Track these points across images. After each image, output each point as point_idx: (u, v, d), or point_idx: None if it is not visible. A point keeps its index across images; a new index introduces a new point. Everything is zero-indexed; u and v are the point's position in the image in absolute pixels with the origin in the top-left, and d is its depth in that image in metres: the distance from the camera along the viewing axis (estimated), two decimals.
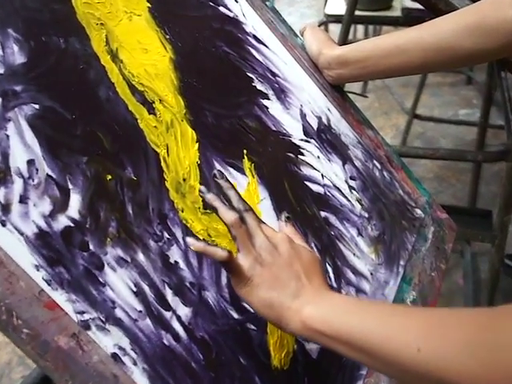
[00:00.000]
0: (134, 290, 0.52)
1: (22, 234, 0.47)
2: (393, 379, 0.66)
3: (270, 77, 0.79)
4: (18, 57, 0.52)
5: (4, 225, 0.46)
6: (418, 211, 0.91)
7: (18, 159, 0.49)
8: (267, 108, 0.76)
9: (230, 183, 0.61)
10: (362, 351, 0.48)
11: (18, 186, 0.48)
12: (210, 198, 0.58)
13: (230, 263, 0.53)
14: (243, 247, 0.55)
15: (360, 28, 3.49)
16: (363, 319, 0.50)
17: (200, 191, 0.59)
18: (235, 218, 0.56)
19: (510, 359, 0.38)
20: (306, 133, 0.79)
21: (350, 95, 0.95)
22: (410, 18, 1.84)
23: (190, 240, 0.53)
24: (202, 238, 0.59)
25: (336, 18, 2.08)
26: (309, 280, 0.56)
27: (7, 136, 0.49)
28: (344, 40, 1.55)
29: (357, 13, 1.67)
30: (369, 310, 0.52)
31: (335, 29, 2.56)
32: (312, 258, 0.59)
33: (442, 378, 0.42)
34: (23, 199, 0.48)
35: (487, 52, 0.72)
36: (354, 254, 0.76)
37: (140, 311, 0.52)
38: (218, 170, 0.63)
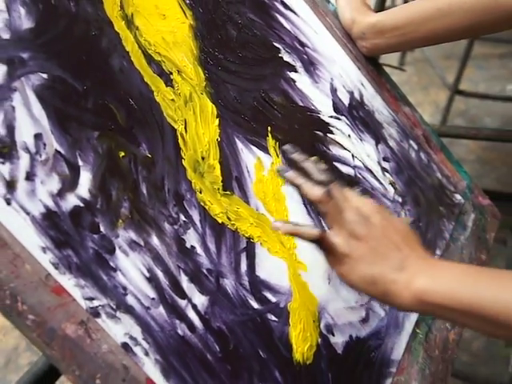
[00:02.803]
0: (147, 275, 0.52)
1: (28, 213, 0.47)
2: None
3: (299, 47, 0.78)
4: (25, 21, 0.52)
5: (9, 203, 0.46)
6: (458, 196, 0.90)
7: (24, 133, 0.49)
8: (294, 81, 0.75)
9: (304, 156, 0.58)
10: (497, 324, 0.48)
11: (24, 161, 0.48)
12: (291, 175, 0.56)
13: (323, 242, 0.52)
14: (335, 223, 0.54)
15: None
16: (497, 287, 0.49)
17: (278, 170, 0.57)
18: (323, 194, 0.54)
19: None
20: (336, 109, 0.78)
21: (385, 68, 0.94)
22: None
23: (276, 224, 0.52)
24: (220, 221, 0.59)
25: None
26: (411, 250, 0.55)
27: (13, 107, 0.49)
28: (381, 6, 1.52)
29: None
30: (499, 276, 0.51)
31: None
32: (406, 227, 0.58)
33: None
34: (30, 176, 0.48)
35: None
36: None
37: (153, 299, 0.52)
38: (288, 145, 0.61)
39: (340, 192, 0.56)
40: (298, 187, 0.55)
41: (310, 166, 0.57)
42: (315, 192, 0.54)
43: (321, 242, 0.52)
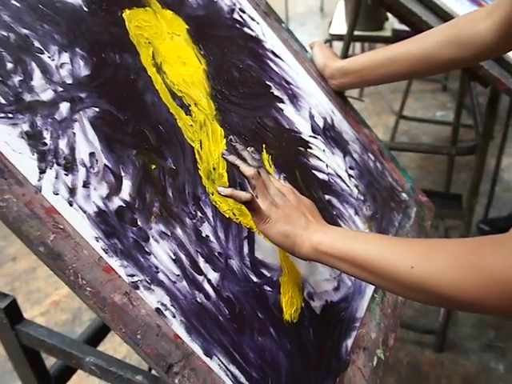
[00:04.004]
0: (173, 258, 0.52)
1: (84, 212, 0.47)
2: (392, 294, 0.63)
3: (285, 85, 0.78)
4: (83, 70, 0.52)
5: (71, 205, 0.46)
6: (404, 195, 0.90)
7: (81, 152, 0.49)
8: (282, 110, 0.74)
9: (243, 146, 0.60)
10: (364, 269, 0.50)
11: (81, 173, 0.48)
12: (232, 158, 0.57)
13: (252, 204, 0.53)
14: (261, 194, 0.56)
15: (358, 45, 3.44)
16: (365, 243, 0.51)
17: (223, 154, 0.58)
18: (254, 172, 0.55)
19: (492, 276, 0.38)
20: (313, 130, 0.78)
21: (349, 99, 0.94)
22: (398, 38, 1.81)
23: (220, 188, 0.53)
24: (228, 216, 0.59)
25: (339, 37, 2.05)
26: (313, 218, 0.58)
27: (74, 133, 0.49)
28: (345, 54, 1.52)
29: (355, 33, 1.64)
30: (369, 237, 0.53)
31: (338, 45, 2.52)
32: (311, 204, 0.61)
33: (434, 291, 0.43)
34: (86, 184, 0.48)
35: (462, 60, 0.72)
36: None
37: (178, 275, 0.51)
38: (233, 136, 0.61)
39: (266, 173, 0.58)
40: (237, 167, 0.56)
41: (245, 153, 0.59)
42: (249, 170, 0.56)
43: (250, 205, 0.54)
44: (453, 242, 0.44)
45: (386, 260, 0.47)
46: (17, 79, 0.47)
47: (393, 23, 1.96)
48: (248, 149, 0.59)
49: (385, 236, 0.52)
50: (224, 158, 0.57)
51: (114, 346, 1.59)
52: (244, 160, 0.58)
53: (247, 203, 0.53)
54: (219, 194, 0.54)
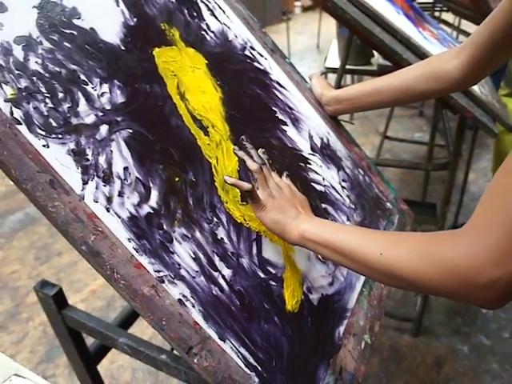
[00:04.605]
0: (193, 256, 0.51)
1: (119, 217, 0.47)
2: (367, 278, 0.63)
3: (288, 110, 0.77)
4: (119, 98, 0.52)
5: (108, 211, 0.46)
6: (388, 204, 0.89)
7: (117, 166, 0.49)
8: (286, 131, 0.74)
9: (252, 146, 0.60)
10: (342, 254, 0.49)
11: (117, 184, 0.48)
12: (241, 153, 0.58)
13: (252, 193, 0.54)
14: (261, 186, 0.56)
15: (348, 77, 3.44)
16: (344, 233, 0.50)
17: (234, 149, 0.58)
18: (257, 167, 0.56)
19: (445, 264, 0.38)
20: (312, 149, 0.78)
21: (342, 122, 0.93)
22: (382, 71, 1.81)
23: (226, 177, 0.54)
24: (239, 221, 0.58)
25: (333, 70, 2.04)
26: (303, 210, 0.58)
27: (111, 151, 0.49)
28: (338, 85, 1.52)
29: (347, 67, 1.64)
30: (348, 228, 0.52)
31: (332, 77, 2.52)
32: (304, 199, 0.61)
33: (398, 275, 0.42)
34: (120, 194, 0.48)
35: (436, 92, 0.72)
36: None
37: (197, 271, 0.51)
38: (245, 135, 0.61)
39: (267, 170, 0.59)
40: (244, 161, 0.57)
41: (253, 151, 0.60)
42: (253, 165, 0.57)
43: (250, 194, 0.54)
44: (417, 234, 0.43)
45: (359, 247, 0.47)
46: (66, 106, 0.47)
47: (378, 59, 1.96)
48: (259, 150, 0.60)
49: (362, 228, 0.51)
50: (235, 153, 0.58)
51: (142, 328, 1.58)
52: (251, 157, 0.58)
53: (248, 192, 0.54)
54: (225, 182, 0.54)
